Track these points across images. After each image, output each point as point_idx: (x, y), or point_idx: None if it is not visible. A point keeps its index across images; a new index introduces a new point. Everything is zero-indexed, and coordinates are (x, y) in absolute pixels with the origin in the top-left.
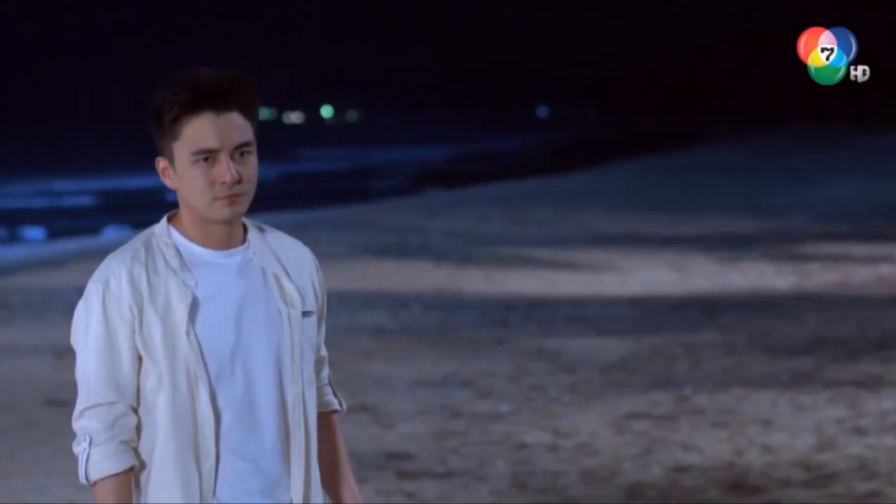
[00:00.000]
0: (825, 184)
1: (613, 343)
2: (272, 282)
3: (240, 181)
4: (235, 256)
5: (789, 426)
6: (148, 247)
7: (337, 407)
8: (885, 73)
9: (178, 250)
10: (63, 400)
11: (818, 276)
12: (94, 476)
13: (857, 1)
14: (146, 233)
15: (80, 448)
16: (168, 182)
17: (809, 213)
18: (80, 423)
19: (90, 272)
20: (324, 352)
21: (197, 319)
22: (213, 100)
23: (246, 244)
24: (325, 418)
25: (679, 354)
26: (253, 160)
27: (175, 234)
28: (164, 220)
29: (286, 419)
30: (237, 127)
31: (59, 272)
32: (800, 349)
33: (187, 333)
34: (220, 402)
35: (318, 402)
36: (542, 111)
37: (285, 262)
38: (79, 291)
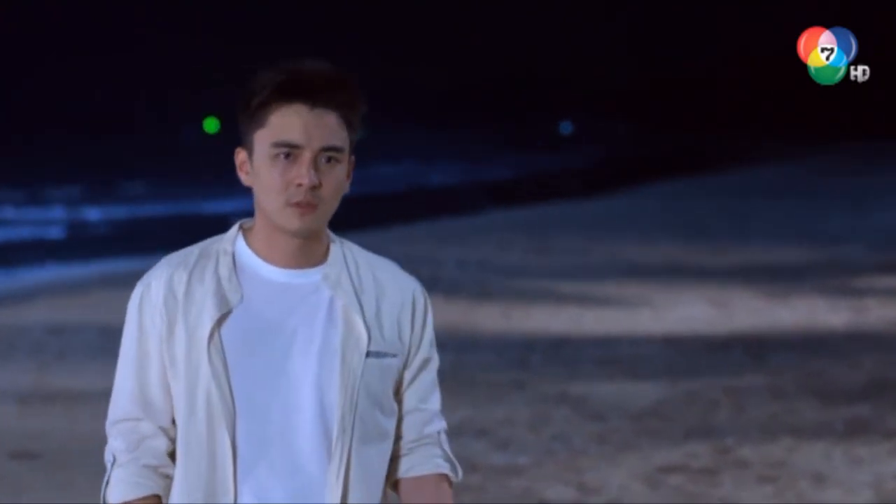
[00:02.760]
0: (884, 209)
1: (646, 387)
2: (339, 314)
3: (319, 187)
4: (302, 278)
5: (845, 481)
6: (205, 253)
7: (445, 470)
8: (885, 73)
9: (234, 260)
10: (31, 452)
11: (877, 313)
12: (109, 500)
13: (857, 1)
14: (214, 238)
15: (107, 466)
16: (243, 177)
17: (866, 242)
18: (109, 440)
19: (63, 308)
20: (430, 405)
21: (232, 342)
22: (309, 92)
23: (321, 266)
24: (423, 483)
25: (720, 400)
26: (340, 171)
27: (241, 242)
28: (235, 227)
29: (335, 472)
30: (329, 128)
31: (28, 308)
32: (856, 394)
33: (209, 354)
34: (243, 439)
35: (412, 462)
36: (566, 127)
37: (365, 292)
38: (50, 329)
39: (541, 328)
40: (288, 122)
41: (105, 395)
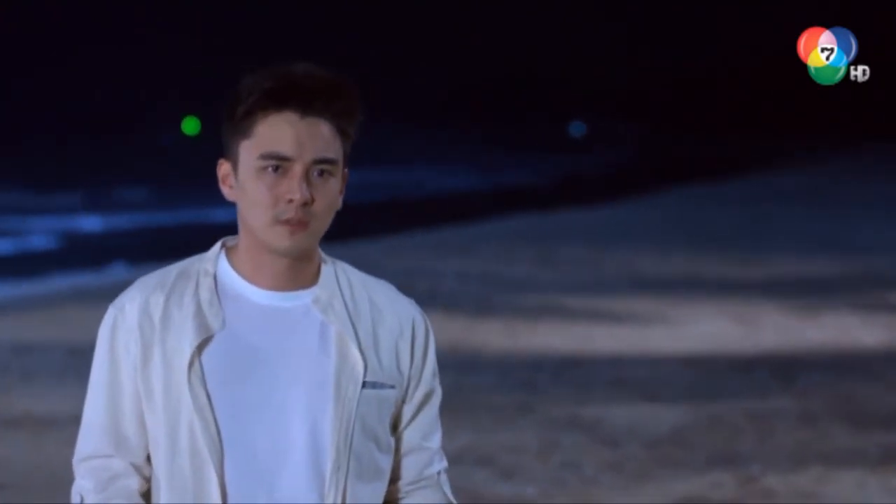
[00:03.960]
0: None
1: (664, 411)
2: (332, 341)
3: (311, 204)
4: (291, 301)
5: None
6: (184, 273)
7: None
8: (885, 73)
9: (215, 282)
10: None
11: None
12: None
13: (857, 1)
14: (194, 257)
15: None
16: (227, 191)
17: None
18: (76, 479)
19: (30, 326)
20: (432, 443)
21: (214, 370)
22: (301, 98)
23: (312, 289)
24: None
25: (744, 425)
26: (333, 185)
27: (223, 262)
28: (217, 245)
29: None
30: (322, 138)
31: None
32: (892, 419)
33: (190, 383)
34: (231, 477)
35: None
36: (576, 128)
37: (360, 317)
38: (14, 349)
39: (548, 347)
40: (277, 132)
41: (74, 421)
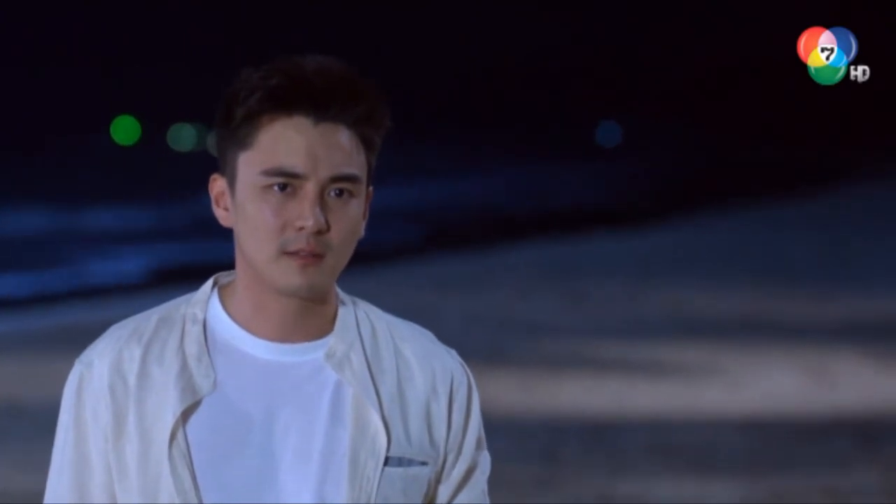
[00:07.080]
0: None
1: (720, 486)
2: (347, 405)
3: (326, 232)
4: (299, 356)
5: None
6: (166, 320)
7: None
8: (885, 73)
9: (205, 331)
10: None
11: None
12: None
13: (857, 1)
14: (180, 299)
15: None
16: (222, 215)
17: None
18: None
19: None
20: None
21: (201, 444)
22: (315, 100)
23: (326, 339)
24: None
25: (819, 502)
26: (354, 208)
27: (216, 306)
28: (208, 284)
29: None
30: (341, 149)
31: None
32: None
33: (171, 461)
34: None
35: None
36: (607, 134)
37: (385, 375)
38: None
39: (575, 405)
40: (285, 142)
41: None
